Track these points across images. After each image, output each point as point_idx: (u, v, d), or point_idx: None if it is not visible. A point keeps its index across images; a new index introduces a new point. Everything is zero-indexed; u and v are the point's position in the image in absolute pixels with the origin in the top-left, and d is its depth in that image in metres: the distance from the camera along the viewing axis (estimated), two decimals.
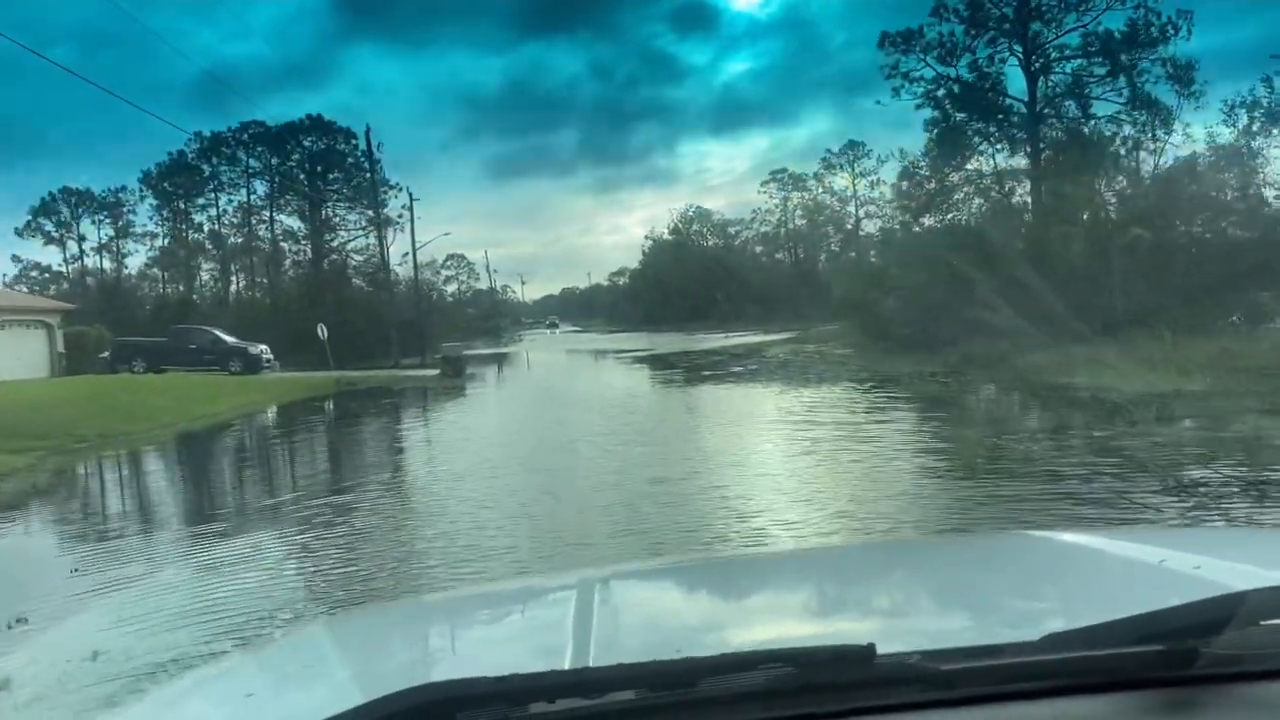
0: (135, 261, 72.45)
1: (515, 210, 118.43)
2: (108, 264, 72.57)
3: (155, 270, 71.63)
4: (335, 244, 60.46)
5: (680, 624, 1.61)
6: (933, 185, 31.89)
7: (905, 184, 33.56)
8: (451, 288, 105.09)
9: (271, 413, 24.25)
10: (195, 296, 68.30)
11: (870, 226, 64.44)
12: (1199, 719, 0.97)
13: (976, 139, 31.47)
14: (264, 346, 37.07)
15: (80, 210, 72.57)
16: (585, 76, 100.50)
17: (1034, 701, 0.99)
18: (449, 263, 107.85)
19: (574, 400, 22.59)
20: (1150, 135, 28.87)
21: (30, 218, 70.01)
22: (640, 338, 60.55)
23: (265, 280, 64.45)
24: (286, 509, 10.41)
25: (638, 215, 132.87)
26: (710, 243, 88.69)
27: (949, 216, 31.65)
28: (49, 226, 71.09)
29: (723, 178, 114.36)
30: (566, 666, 1.17)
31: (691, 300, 78.60)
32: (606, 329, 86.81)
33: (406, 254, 63.37)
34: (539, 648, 1.43)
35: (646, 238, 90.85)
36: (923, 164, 32.91)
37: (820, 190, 70.34)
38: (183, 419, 21.86)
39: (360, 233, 60.24)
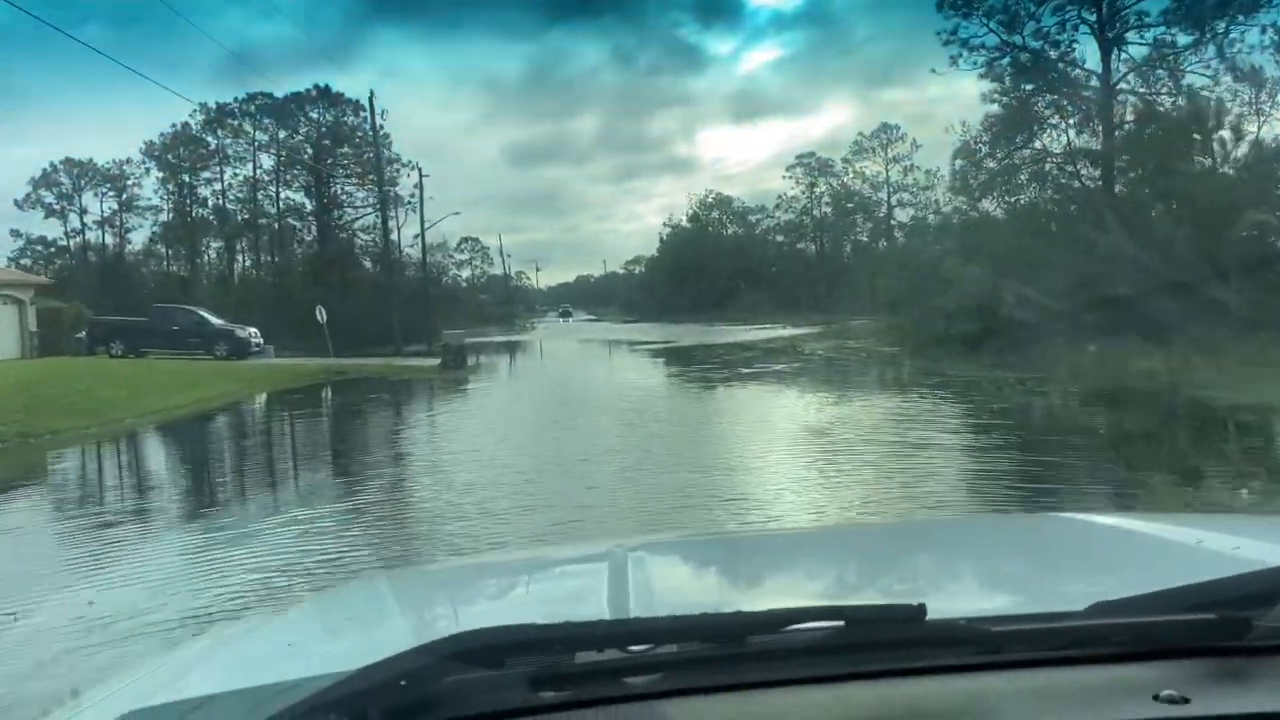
0: (139, 237, 69.51)
1: (532, 197, 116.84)
2: (110, 239, 69.58)
3: (159, 247, 68.61)
4: (343, 222, 57.23)
5: (717, 592, 1.57)
6: (995, 164, 28.13)
7: (960, 163, 29.80)
8: (465, 273, 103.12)
9: (237, 409, 20.80)
10: (202, 275, 65.55)
11: (903, 215, 60.55)
12: (1250, 689, 0.93)
13: (1047, 112, 27.70)
14: (253, 330, 33.73)
15: (82, 182, 69.63)
16: (606, 64, 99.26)
17: (1083, 667, 0.96)
18: (463, 246, 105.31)
19: (588, 402, 19.01)
20: (1254, 110, 25.08)
21: (30, 189, 67.05)
22: (658, 328, 57.14)
23: (271, 259, 61.22)
24: (167, 561, 6.99)
25: (655, 204, 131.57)
26: (730, 231, 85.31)
27: (1014, 200, 27.90)
28: (49, 198, 68.12)
29: (740, 167, 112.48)
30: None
31: (710, 290, 75.22)
32: (622, 318, 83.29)
33: (419, 235, 60.53)
34: (579, 609, 1.37)
35: (664, 225, 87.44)
36: (983, 141, 29.15)
37: (851, 175, 66.11)
38: (131, 414, 18.48)
39: (369, 210, 56.97)
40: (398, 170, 55.96)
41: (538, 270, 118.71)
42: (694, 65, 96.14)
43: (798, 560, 1.78)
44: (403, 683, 0.87)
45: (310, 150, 56.21)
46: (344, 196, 59.14)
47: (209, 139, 63.40)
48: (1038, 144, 28.59)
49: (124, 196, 68.94)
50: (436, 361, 29.67)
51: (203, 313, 33.62)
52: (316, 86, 55.05)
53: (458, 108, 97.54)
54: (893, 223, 62.03)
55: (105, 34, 64.21)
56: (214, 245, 66.50)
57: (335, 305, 50.51)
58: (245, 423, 19.39)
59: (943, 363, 21.13)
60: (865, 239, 67.61)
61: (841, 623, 0.95)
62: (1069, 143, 27.13)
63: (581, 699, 0.91)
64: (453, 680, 0.88)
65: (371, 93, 39.58)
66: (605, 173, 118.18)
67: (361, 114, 56.32)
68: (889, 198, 64.52)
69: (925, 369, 21.06)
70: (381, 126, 46.61)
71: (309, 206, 60.54)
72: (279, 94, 57.28)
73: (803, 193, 71.63)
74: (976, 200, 28.45)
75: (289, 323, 49.48)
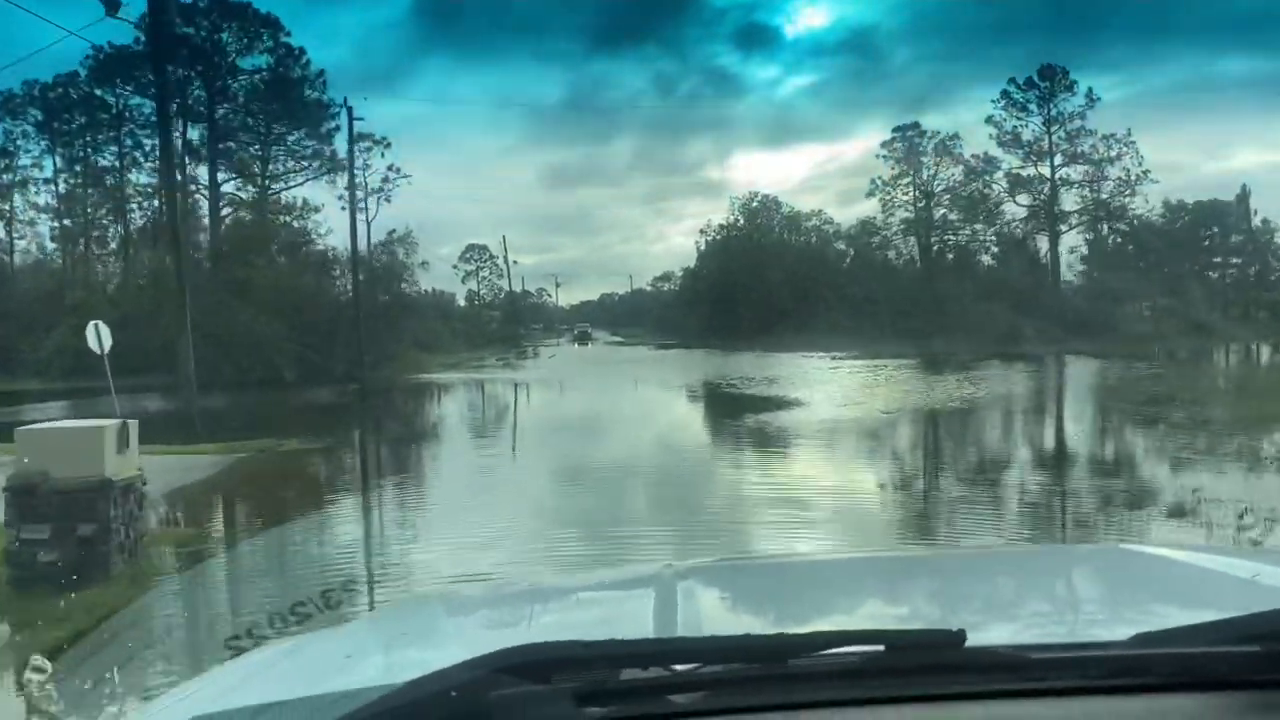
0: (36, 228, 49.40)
1: (562, 217, 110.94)
2: None
3: (62, 243, 48.35)
4: (256, 198, 36.70)
5: (762, 615, 1.50)
6: None
7: None
8: (471, 285, 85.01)
9: None
10: (102, 277, 45.53)
11: (1070, 200, 39.08)
12: None
13: None
14: None
15: None
16: (642, 90, 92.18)
17: (1125, 697, 0.92)
18: (468, 255, 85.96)
19: None
20: None
21: None
22: (712, 358, 36.58)
23: (148, 254, 40.48)
24: None
25: (685, 224, 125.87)
26: (781, 235, 64.81)
27: None
28: None
29: (774, 189, 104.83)
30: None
31: (763, 308, 54.30)
32: (656, 341, 61.98)
33: (393, 230, 40.30)
34: (627, 630, 1.30)
35: (701, 233, 66.68)
36: None
37: (1001, 137, 42.88)
38: None
39: (296, 175, 36.26)
40: (334, 122, 35.44)
41: (558, 285, 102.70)
42: (730, 91, 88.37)
43: (841, 586, 1.65)
44: (453, 694, 0.85)
45: (204, 94, 35.65)
46: (254, 161, 38.68)
47: (104, 95, 43.48)
48: None
49: (6, 177, 48.95)
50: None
51: None
52: None
53: (497, 131, 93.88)
54: (1056, 210, 40.30)
55: None
56: (110, 236, 46.63)
57: (224, 322, 30.42)
58: None
59: None
60: (992, 240, 45.70)
61: (882, 647, 0.92)
62: None
63: (625, 715, 0.88)
64: (500, 694, 0.86)
65: None
66: (637, 194, 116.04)
67: (281, 34, 36.16)
68: (1052, 173, 41.83)
69: None
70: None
71: (239, 184, 40.10)
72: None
73: (902, 177, 49.58)
74: None
75: (160, 346, 29.82)
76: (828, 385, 22.05)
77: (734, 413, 17.53)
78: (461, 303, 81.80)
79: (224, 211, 36.10)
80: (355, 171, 41.47)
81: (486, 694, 0.85)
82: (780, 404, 18.06)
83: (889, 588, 1.64)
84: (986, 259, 47.37)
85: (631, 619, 1.43)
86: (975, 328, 39.05)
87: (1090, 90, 39.47)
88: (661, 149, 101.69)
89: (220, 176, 36.46)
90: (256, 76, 34.36)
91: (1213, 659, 0.93)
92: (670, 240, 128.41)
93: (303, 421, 16.33)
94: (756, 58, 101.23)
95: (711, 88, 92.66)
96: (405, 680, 0.88)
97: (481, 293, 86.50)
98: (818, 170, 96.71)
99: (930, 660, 0.92)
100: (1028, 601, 1.49)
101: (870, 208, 54.19)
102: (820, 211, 61.49)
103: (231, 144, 35.08)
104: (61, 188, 46.16)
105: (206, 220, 36.29)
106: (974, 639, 0.92)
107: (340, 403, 22.74)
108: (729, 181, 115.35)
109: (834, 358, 33.06)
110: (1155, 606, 1.38)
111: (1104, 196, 38.35)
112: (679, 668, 0.90)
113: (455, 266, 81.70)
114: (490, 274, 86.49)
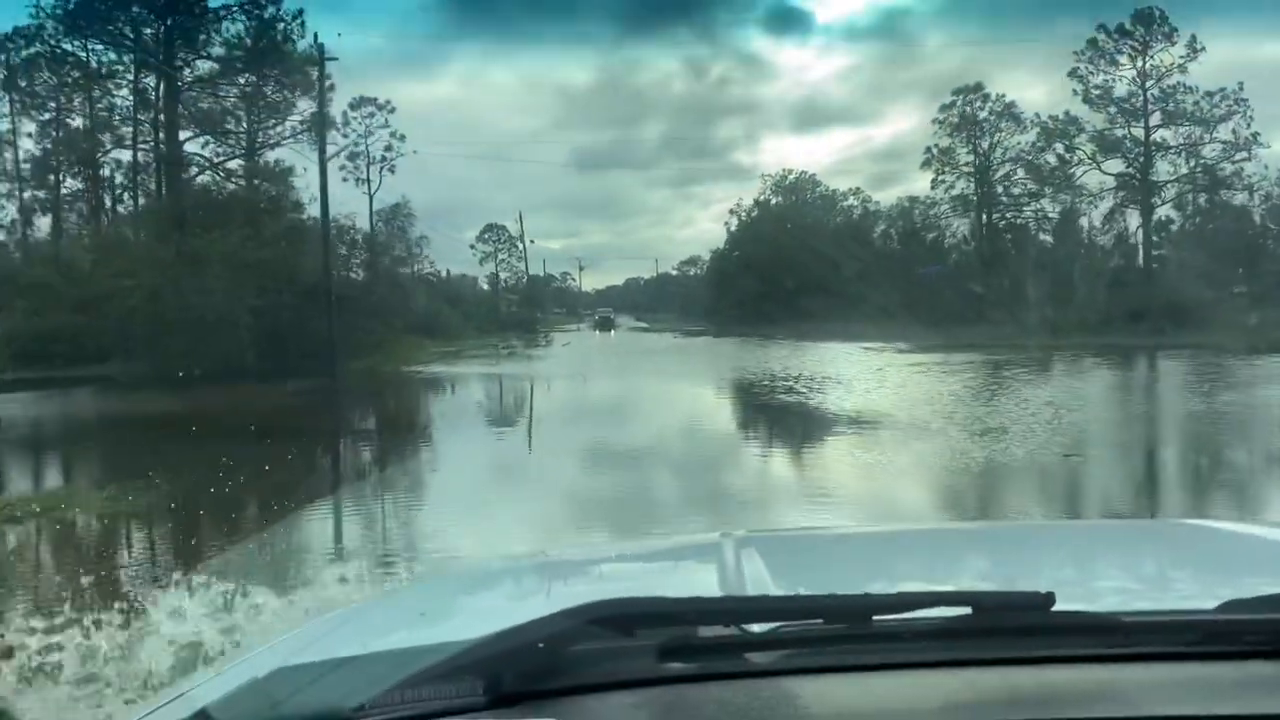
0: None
1: (590, 201, 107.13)
2: None
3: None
4: (222, 159, 31.65)
5: (836, 581, 1.42)
6: None
7: None
8: (491, 267, 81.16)
9: None
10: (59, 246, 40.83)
11: (1166, 167, 32.91)
12: None
13: None
14: None
15: None
16: (674, 74, 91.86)
17: (1217, 663, 0.89)
18: (486, 236, 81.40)
19: None
20: None
21: None
22: (748, 349, 31.37)
23: (103, 218, 35.51)
24: None
25: (713, 210, 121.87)
26: (820, 217, 59.31)
27: None
28: None
29: (803, 173, 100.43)
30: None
31: (800, 293, 48.85)
32: (682, 328, 56.83)
33: (396, 203, 35.44)
34: (697, 592, 1.22)
35: (731, 212, 61.49)
36: None
37: (1088, 93, 36.10)
38: None
39: (276, 136, 31.17)
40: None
41: (581, 270, 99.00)
42: (761, 74, 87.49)
43: (916, 554, 1.61)
44: (540, 645, 0.85)
45: (159, 34, 30.51)
46: (243, 123, 33.59)
47: (74, 49, 38.56)
48: None
49: None
50: None
51: None
52: None
53: (525, 113, 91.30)
54: (1151, 177, 34.21)
55: None
56: (83, 209, 41.89)
57: (174, 303, 25.56)
58: None
59: None
60: (1069, 214, 39.59)
61: (969, 609, 0.90)
62: None
63: (707, 672, 0.88)
64: (583, 648, 0.86)
65: None
66: (665, 178, 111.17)
67: None
68: (1146, 134, 35.53)
69: None
70: None
71: (192, 138, 34.96)
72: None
73: (960, 144, 43.37)
74: None
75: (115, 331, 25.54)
76: (924, 395, 16.51)
77: (814, 448, 11.74)
78: (485, 286, 78.22)
79: (189, 174, 31.10)
80: (354, 138, 36.55)
81: (571, 646, 0.85)
82: (879, 427, 12.28)
83: (964, 556, 1.57)
84: (1060, 236, 41.52)
85: (699, 583, 1.37)
86: (1052, 315, 33.48)
87: (1194, 39, 33.41)
88: (690, 132, 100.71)
89: (184, 136, 31.41)
90: (222, 14, 29.20)
91: None
92: (698, 225, 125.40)
93: (174, 443, 11.18)
94: (788, 39, 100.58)
95: (742, 70, 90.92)
96: (478, 635, 0.86)
97: (503, 276, 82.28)
98: (847, 154, 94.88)
99: (1019, 622, 0.90)
100: (1111, 572, 1.42)
101: (910, 189, 48.55)
102: (858, 190, 56.05)
103: (195, 94, 30.01)
104: (25, 151, 41.54)
105: (164, 185, 31.27)
106: (1061, 606, 0.89)
107: (273, 405, 17.58)
108: (758, 165, 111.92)
109: (899, 350, 27.57)
110: (1243, 579, 1.30)
111: (1209, 162, 32.47)
112: (759, 627, 0.88)
113: (473, 247, 77.31)
114: (510, 256, 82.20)
